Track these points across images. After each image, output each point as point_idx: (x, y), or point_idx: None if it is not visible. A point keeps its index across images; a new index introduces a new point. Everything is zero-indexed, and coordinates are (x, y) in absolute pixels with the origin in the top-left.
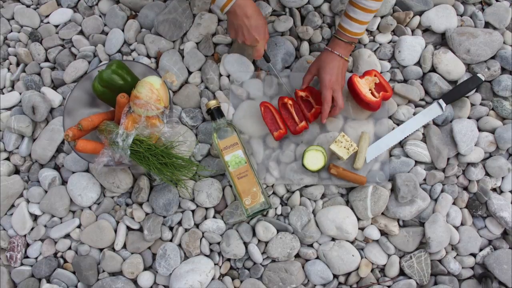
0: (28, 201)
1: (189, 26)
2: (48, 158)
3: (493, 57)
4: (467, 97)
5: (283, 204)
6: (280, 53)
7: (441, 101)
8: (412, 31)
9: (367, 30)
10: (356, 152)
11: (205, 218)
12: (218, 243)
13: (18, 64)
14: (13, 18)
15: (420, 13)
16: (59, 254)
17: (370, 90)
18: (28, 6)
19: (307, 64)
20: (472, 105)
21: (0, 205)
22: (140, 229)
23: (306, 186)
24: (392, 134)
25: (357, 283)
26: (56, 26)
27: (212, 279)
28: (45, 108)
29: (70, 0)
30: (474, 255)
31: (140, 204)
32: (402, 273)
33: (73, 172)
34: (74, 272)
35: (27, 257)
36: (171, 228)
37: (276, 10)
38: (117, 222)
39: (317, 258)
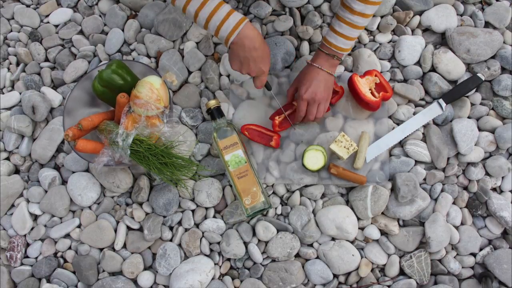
0: (28, 201)
1: (189, 26)
2: (48, 158)
3: (493, 57)
4: (467, 96)
5: (283, 203)
6: (280, 52)
7: (441, 100)
8: (412, 30)
9: (367, 29)
10: (356, 152)
11: (205, 217)
12: (218, 243)
13: (18, 64)
14: (13, 18)
15: (420, 13)
16: (59, 254)
17: (370, 90)
18: (28, 6)
19: (307, 63)
20: (472, 104)
21: (0, 205)
22: (140, 229)
23: (306, 186)
24: (392, 134)
25: (357, 283)
26: (56, 26)
27: (212, 278)
28: (45, 108)
29: (70, 0)
30: (474, 254)
31: (140, 204)
32: (402, 272)
33: (73, 172)
34: (74, 272)
35: (27, 257)
36: (171, 228)
37: (276, 9)
38: (117, 222)
39: (317, 257)
